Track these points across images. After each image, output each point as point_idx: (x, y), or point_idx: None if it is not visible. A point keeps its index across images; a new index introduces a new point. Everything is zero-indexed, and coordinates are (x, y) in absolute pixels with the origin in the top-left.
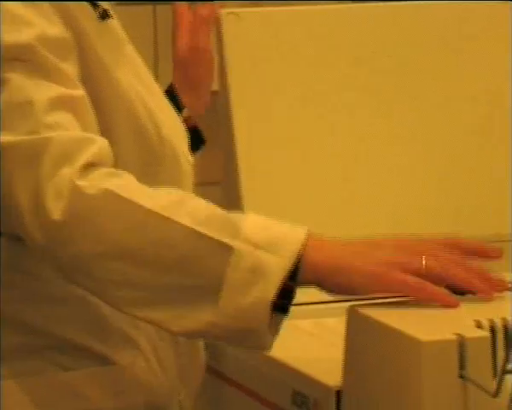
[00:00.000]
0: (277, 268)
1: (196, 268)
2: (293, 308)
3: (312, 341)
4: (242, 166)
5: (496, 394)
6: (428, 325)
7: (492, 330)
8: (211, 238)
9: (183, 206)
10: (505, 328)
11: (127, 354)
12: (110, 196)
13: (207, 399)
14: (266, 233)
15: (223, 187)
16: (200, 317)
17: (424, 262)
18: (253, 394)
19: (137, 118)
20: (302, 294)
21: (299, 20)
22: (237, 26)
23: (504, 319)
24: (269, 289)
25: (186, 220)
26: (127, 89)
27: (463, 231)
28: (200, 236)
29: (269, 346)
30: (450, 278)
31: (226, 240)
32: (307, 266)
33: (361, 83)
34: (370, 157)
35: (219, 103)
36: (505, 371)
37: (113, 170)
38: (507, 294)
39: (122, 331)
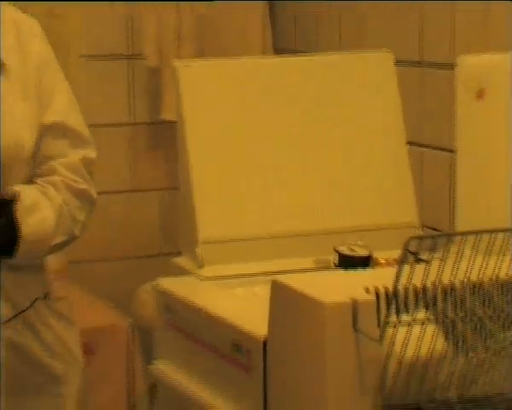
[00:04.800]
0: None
1: None
2: (231, 280)
3: (250, 304)
4: (195, 179)
5: (380, 340)
6: (330, 291)
7: (377, 293)
8: None
9: None
10: (386, 292)
11: None
12: None
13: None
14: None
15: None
16: None
17: None
18: (205, 344)
19: None
20: (237, 269)
21: (248, 70)
22: (190, 74)
23: (385, 286)
24: None
25: None
26: None
27: (383, 221)
28: None
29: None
30: None
31: None
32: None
33: (284, 119)
34: (295, 170)
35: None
36: (386, 324)
37: None
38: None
39: None
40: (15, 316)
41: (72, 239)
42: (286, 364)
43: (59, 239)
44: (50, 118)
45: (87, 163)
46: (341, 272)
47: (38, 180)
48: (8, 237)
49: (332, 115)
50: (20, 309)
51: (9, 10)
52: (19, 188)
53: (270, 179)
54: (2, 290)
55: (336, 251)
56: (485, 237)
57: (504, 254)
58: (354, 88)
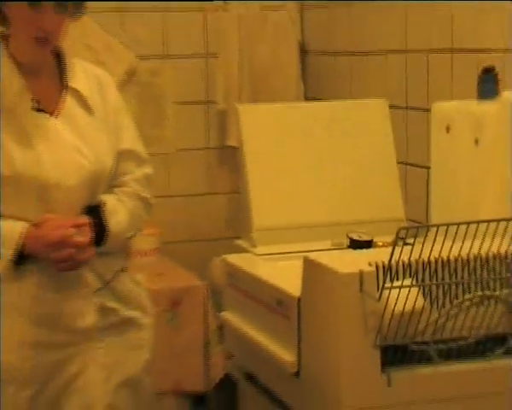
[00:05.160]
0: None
1: None
2: (275, 256)
3: (289, 273)
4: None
5: (378, 299)
6: (344, 265)
7: (376, 266)
8: None
9: None
10: (383, 265)
11: None
12: None
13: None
14: (5, 237)
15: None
16: None
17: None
18: (258, 300)
19: None
20: (280, 248)
21: (285, 112)
22: (247, 114)
23: (382, 261)
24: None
25: None
26: None
27: (380, 216)
28: None
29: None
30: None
31: None
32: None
33: (311, 145)
34: (318, 182)
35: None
36: (383, 288)
37: None
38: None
39: None
40: (104, 286)
41: (138, 232)
42: (313, 315)
43: (130, 233)
44: (123, 146)
45: (147, 177)
46: (351, 252)
47: (115, 190)
48: (98, 232)
49: (343, 144)
50: (105, 280)
51: (91, 67)
52: (104, 197)
53: (302, 187)
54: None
55: (348, 237)
56: (452, 227)
57: (465, 239)
58: (360, 124)
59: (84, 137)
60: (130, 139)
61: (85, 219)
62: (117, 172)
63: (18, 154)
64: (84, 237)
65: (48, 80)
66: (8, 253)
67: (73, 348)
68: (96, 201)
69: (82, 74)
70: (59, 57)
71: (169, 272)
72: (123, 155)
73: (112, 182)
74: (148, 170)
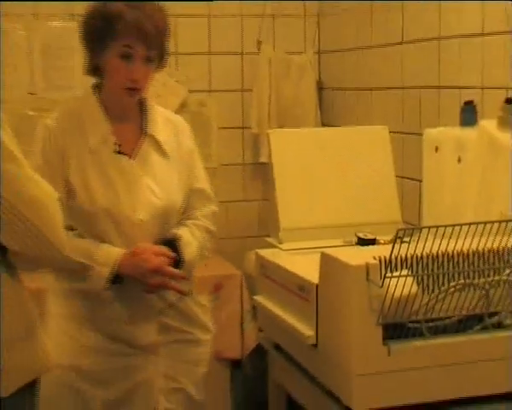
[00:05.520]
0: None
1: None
2: (298, 251)
3: (309, 264)
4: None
5: (381, 286)
6: (353, 258)
7: (380, 260)
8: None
9: (75, 246)
10: (385, 259)
11: None
12: None
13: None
14: (104, 258)
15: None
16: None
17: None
18: (283, 286)
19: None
20: (302, 244)
21: (306, 135)
22: (276, 136)
23: (384, 256)
24: (101, 284)
25: (75, 256)
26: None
27: (382, 219)
28: (83, 264)
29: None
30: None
31: (87, 262)
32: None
33: (325, 160)
34: (332, 193)
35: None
36: (384, 277)
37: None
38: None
39: None
40: (169, 307)
41: (204, 259)
42: (328, 298)
43: (199, 261)
44: (195, 185)
45: (214, 214)
46: (359, 248)
47: (187, 222)
48: (175, 262)
49: (352, 161)
50: (169, 302)
51: (169, 114)
52: (180, 231)
53: (319, 195)
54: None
55: (356, 235)
56: (440, 228)
57: (451, 238)
58: (366, 145)
59: (157, 177)
60: (201, 179)
61: (170, 254)
62: (188, 206)
63: (99, 190)
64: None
65: (130, 126)
66: (107, 271)
67: (139, 358)
68: (172, 234)
69: (160, 121)
70: (142, 105)
71: (213, 262)
72: (195, 193)
73: (183, 215)
74: (214, 207)
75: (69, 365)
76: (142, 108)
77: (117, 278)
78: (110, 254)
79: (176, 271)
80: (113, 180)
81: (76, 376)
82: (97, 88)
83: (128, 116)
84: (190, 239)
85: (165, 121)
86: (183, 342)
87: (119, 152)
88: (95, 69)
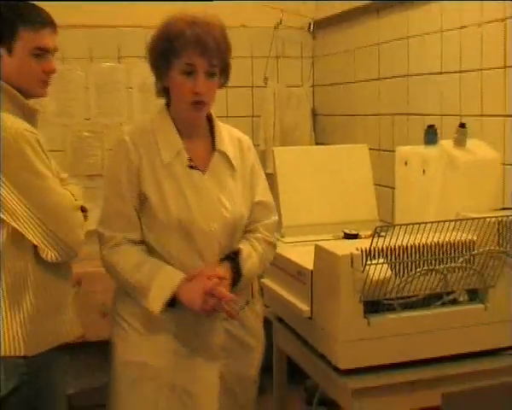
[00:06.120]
0: (161, 298)
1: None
2: (297, 243)
3: (306, 254)
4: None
5: (363, 271)
6: (341, 249)
7: (361, 250)
8: (144, 285)
9: (136, 268)
10: (366, 250)
11: None
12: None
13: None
14: (163, 282)
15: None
16: (142, 303)
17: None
18: (285, 271)
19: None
20: (300, 238)
21: (303, 152)
22: (279, 153)
23: (366, 247)
24: (157, 306)
25: (136, 277)
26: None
27: (363, 218)
28: (140, 283)
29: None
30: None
31: (147, 285)
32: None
33: (318, 172)
34: (324, 197)
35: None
36: (365, 264)
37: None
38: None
39: None
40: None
41: (265, 269)
42: (320, 281)
43: (260, 272)
44: (257, 198)
45: (274, 224)
46: (346, 241)
47: (248, 236)
48: (236, 276)
49: (339, 172)
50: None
51: (234, 131)
52: (241, 245)
53: (313, 199)
54: None
55: (343, 231)
56: (409, 226)
57: (417, 234)
58: (350, 160)
59: (226, 191)
60: (263, 192)
61: (226, 273)
62: (250, 218)
63: (173, 202)
64: (225, 286)
65: (200, 142)
66: (165, 295)
67: (203, 359)
68: (233, 248)
69: (227, 137)
70: (210, 121)
71: None
72: (257, 205)
73: (246, 227)
74: (275, 217)
75: (138, 361)
76: (210, 125)
77: (173, 302)
78: (171, 278)
79: (226, 293)
80: (187, 193)
81: (143, 372)
82: (167, 107)
83: (197, 132)
84: (251, 252)
85: (231, 137)
86: (240, 348)
87: (192, 167)
88: (163, 89)
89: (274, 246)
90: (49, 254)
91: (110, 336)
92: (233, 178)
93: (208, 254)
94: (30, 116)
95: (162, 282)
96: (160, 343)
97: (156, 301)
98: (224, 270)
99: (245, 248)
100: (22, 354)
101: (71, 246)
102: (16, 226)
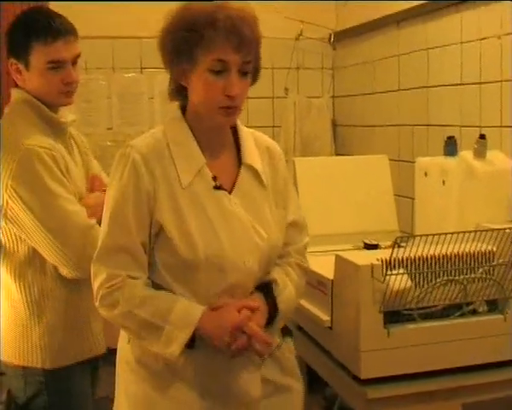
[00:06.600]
0: (181, 340)
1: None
2: (317, 253)
3: (326, 264)
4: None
5: (383, 281)
6: (361, 259)
7: (382, 261)
8: (156, 323)
9: (144, 302)
10: (386, 260)
11: None
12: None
13: None
14: (181, 316)
15: None
16: (153, 347)
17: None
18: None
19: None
20: (319, 248)
21: (323, 162)
22: (300, 163)
23: (386, 258)
24: (175, 349)
25: (144, 314)
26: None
27: (383, 228)
28: (150, 322)
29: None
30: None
31: (160, 323)
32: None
33: (336, 179)
34: (347, 206)
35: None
36: (386, 275)
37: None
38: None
39: None
40: (267, 358)
41: (300, 298)
42: (341, 291)
43: (296, 303)
44: (290, 218)
45: (306, 246)
46: (366, 251)
47: (281, 262)
48: (272, 310)
49: (359, 182)
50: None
51: (261, 138)
52: (275, 275)
53: (334, 209)
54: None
55: (363, 241)
56: (429, 237)
57: (437, 244)
58: (370, 170)
59: (258, 213)
60: (295, 209)
61: (258, 303)
62: (284, 242)
63: (200, 235)
64: (258, 320)
65: (225, 156)
66: (183, 336)
67: None
68: (267, 278)
69: (254, 147)
70: (235, 129)
71: None
72: (290, 227)
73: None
74: (306, 238)
75: None
76: (235, 134)
77: (192, 341)
78: (189, 314)
79: (259, 331)
80: (214, 221)
81: None
82: (183, 111)
83: (221, 143)
84: (286, 282)
85: (258, 146)
86: (278, 391)
87: (218, 187)
88: (179, 89)
89: (306, 271)
90: (65, 271)
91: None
92: (265, 196)
93: (241, 293)
94: (56, 128)
95: (180, 320)
96: (180, 398)
97: (173, 342)
98: (258, 300)
99: (279, 277)
100: (40, 366)
101: (82, 265)
102: (32, 244)
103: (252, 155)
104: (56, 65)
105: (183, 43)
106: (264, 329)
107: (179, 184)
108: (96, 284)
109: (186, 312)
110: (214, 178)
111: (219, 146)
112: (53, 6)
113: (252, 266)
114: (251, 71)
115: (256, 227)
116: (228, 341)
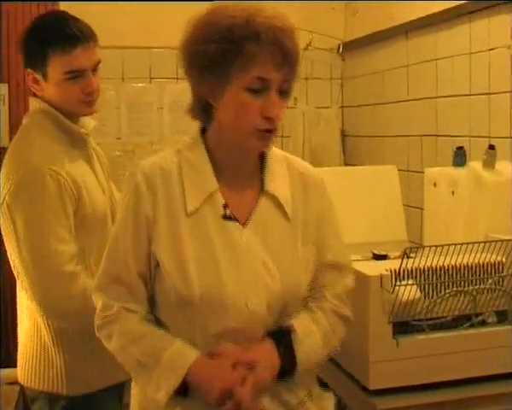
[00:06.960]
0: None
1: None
2: None
3: None
4: None
5: (392, 292)
6: (371, 270)
7: (391, 271)
8: (147, 364)
9: (136, 342)
10: (395, 271)
11: None
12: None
13: None
14: (172, 362)
15: None
16: (147, 390)
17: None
18: None
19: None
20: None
21: (332, 173)
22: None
23: (395, 268)
24: (163, 397)
25: (135, 355)
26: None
27: (392, 238)
28: (142, 361)
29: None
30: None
31: (151, 364)
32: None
33: (350, 198)
34: (356, 217)
35: None
36: (395, 285)
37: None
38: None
39: None
40: None
41: (333, 351)
42: (351, 302)
43: (324, 355)
44: (326, 258)
45: (347, 289)
46: (375, 262)
47: (312, 305)
48: (287, 362)
49: (368, 193)
50: (290, 407)
51: (298, 163)
52: (296, 321)
53: (343, 220)
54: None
55: (372, 252)
56: (439, 247)
57: (446, 255)
58: (379, 181)
59: (275, 249)
60: (334, 248)
61: (257, 355)
62: (316, 284)
63: (197, 268)
64: (259, 376)
65: (244, 181)
66: (171, 383)
67: None
68: (284, 325)
69: (284, 173)
70: (262, 155)
71: None
72: (325, 268)
73: (309, 292)
74: (348, 281)
75: None
76: (261, 157)
77: (184, 389)
78: (180, 358)
79: (247, 400)
80: (218, 255)
81: None
82: (203, 134)
83: (244, 169)
84: (312, 328)
85: (292, 173)
86: None
87: (228, 217)
88: (204, 107)
89: (347, 320)
90: (32, 305)
91: None
92: (288, 231)
93: (246, 339)
94: (75, 138)
95: (171, 359)
96: None
97: (161, 388)
98: (261, 351)
99: (301, 322)
100: (64, 393)
101: (46, 304)
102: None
103: (277, 182)
104: (76, 74)
105: (219, 56)
106: (276, 383)
107: (184, 209)
108: (96, 312)
109: (178, 355)
110: (225, 206)
111: (240, 171)
112: (63, 6)
113: (257, 308)
114: (290, 90)
115: (268, 264)
116: (215, 398)
